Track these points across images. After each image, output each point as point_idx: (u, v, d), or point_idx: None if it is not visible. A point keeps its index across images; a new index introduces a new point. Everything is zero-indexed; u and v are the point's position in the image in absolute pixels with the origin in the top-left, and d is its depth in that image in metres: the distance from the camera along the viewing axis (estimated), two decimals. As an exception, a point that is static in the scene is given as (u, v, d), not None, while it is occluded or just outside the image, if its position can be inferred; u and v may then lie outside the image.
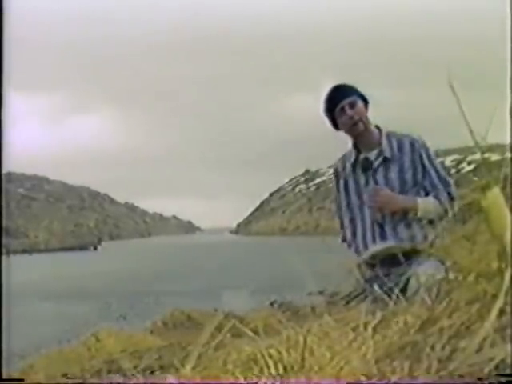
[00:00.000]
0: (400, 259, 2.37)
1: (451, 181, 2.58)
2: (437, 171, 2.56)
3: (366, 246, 2.61)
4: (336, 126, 2.66)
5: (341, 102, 2.58)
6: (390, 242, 2.53)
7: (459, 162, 65.20)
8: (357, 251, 2.65)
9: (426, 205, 2.51)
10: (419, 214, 2.50)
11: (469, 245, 1.16)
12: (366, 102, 2.64)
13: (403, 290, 1.44)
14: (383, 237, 2.56)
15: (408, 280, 2.20)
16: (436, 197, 2.53)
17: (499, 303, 0.92)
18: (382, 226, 2.57)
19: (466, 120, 1.08)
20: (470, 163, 59.72)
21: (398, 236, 2.53)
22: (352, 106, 2.58)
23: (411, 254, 2.41)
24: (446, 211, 2.49)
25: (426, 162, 2.56)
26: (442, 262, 2.10)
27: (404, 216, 2.53)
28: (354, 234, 2.67)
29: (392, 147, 2.60)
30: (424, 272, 1.49)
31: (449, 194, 2.54)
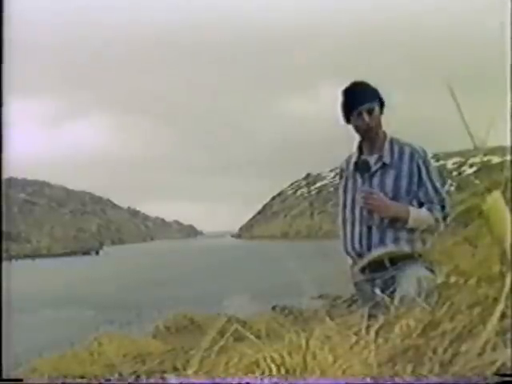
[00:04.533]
0: (386, 264, 2.37)
1: (446, 196, 2.59)
2: (433, 184, 2.57)
3: (353, 247, 2.63)
4: (348, 119, 2.66)
5: (360, 107, 2.58)
6: (375, 245, 2.54)
7: (461, 164, 65.22)
8: (346, 252, 2.66)
9: (417, 215, 2.52)
10: (410, 223, 2.51)
11: (470, 248, 1.16)
12: (382, 105, 2.64)
13: (392, 293, 1.45)
14: (369, 239, 2.57)
15: (400, 284, 2.22)
16: (429, 209, 2.53)
17: (500, 307, 0.92)
18: (369, 229, 2.58)
19: (465, 123, 1.08)
20: (471, 166, 59.72)
21: (384, 240, 2.54)
22: (370, 112, 2.59)
23: (399, 259, 2.42)
24: (437, 225, 2.48)
25: (424, 173, 2.56)
26: (431, 270, 2.10)
27: (393, 222, 2.53)
28: (344, 234, 2.68)
29: (393, 154, 2.61)
30: (423, 276, 1.49)
31: (443, 207, 2.54)
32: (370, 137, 2.63)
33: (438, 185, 2.58)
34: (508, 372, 0.88)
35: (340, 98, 2.68)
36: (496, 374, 0.88)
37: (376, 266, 2.44)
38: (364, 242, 2.58)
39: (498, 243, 1.00)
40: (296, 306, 10.00)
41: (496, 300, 0.95)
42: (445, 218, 2.49)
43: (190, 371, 1.03)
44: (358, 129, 2.64)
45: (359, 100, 2.60)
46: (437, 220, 2.49)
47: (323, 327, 1.22)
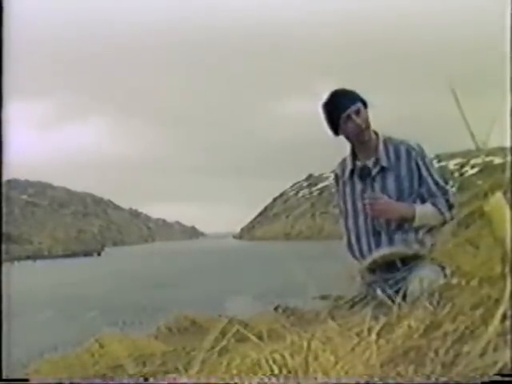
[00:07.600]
0: (398, 264, 2.37)
1: (449, 188, 2.56)
2: (434, 179, 2.53)
3: (361, 253, 2.58)
4: (335, 131, 2.62)
5: (347, 110, 2.53)
6: (385, 249, 2.51)
7: (462, 165, 65.10)
8: (354, 257, 2.63)
9: (423, 212, 2.48)
10: (416, 221, 2.47)
11: (472, 249, 1.16)
12: (365, 106, 2.60)
13: (403, 295, 1.44)
14: (378, 244, 2.54)
15: (408, 285, 2.21)
16: (434, 204, 2.50)
17: (502, 308, 0.92)
18: (377, 234, 2.55)
19: (467, 123, 1.08)
20: (473, 166, 59.59)
21: (394, 243, 2.51)
22: (358, 113, 2.53)
23: (409, 260, 2.40)
24: (444, 218, 2.47)
25: (423, 170, 2.52)
26: (442, 268, 2.10)
27: (400, 223, 2.51)
28: (349, 241, 2.65)
29: (389, 155, 2.56)
30: (425, 277, 1.49)
31: (447, 201, 2.51)
32: (363, 140, 2.59)
33: (439, 179, 2.54)
34: (509, 372, 0.88)
35: (322, 113, 2.62)
36: (497, 374, 0.88)
37: (387, 266, 2.44)
38: (373, 246, 2.55)
39: (500, 244, 1.00)
40: (298, 307, 9.99)
41: (498, 301, 0.95)
42: (450, 209, 2.48)
43: (191, 372, 1.03)
44: (350, 135, 2.57)
45: (344, 104, 2.54)
46: (442, 213, 2.47)
47: (325, 328, 1.22)
